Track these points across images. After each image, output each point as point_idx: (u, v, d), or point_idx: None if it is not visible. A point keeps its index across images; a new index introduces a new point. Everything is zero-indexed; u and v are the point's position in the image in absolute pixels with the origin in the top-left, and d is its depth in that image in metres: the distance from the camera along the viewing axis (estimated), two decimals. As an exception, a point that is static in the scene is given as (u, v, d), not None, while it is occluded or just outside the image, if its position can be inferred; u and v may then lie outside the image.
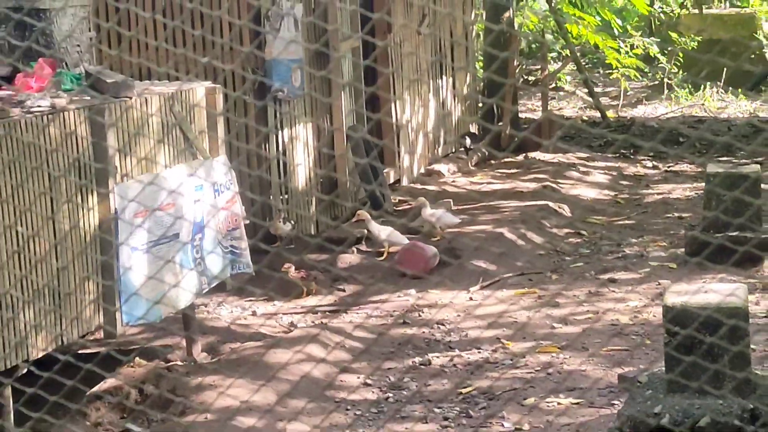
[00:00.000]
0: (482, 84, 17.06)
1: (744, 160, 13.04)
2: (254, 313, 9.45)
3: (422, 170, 14.60)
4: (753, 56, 21.88)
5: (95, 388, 7.22)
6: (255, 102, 10.48)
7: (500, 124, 16.52)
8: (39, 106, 6.55)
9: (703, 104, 21.01)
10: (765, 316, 8.82)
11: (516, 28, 17.45)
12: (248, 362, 8.07)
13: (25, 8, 7.39)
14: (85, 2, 7.90)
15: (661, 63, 22.16)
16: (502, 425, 7.15)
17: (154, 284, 7.16)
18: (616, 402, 7.18)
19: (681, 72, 22.43)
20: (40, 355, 6.41)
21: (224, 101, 8.36)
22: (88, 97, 6.96)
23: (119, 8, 9.69)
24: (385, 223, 11.14)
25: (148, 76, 8.90)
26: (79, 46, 7.69)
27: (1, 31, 7.28)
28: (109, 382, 7.34)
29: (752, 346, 6.99)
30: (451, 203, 12.20)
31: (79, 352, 7.55)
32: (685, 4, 23.43)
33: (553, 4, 18.41)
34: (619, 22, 19.72)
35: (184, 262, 7.48)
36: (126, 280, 6.96)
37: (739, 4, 24.29)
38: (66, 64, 7.38)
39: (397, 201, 12.85)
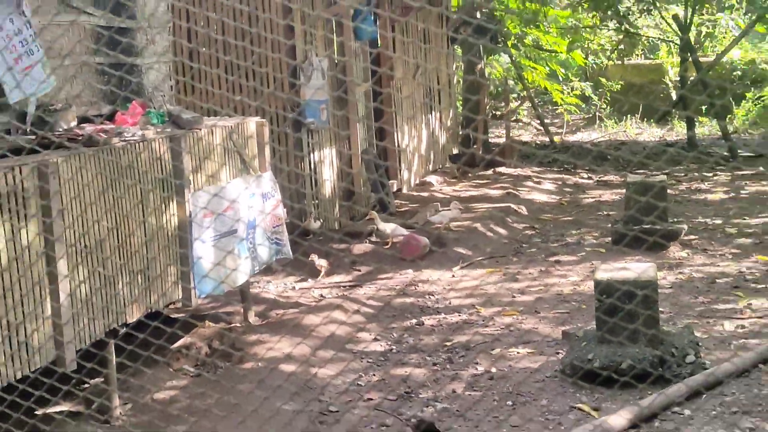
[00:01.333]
0: (461, 118, 17.05)
1: (654, 173, 13.02)
2: (293, 288, 9.53)
3: (417, 182, 14.66)
4: (661, 95, 21.85)
5: (176, 345, 7.26)
6: (293, 133, 10.53)
7: (474, 147, 16.52)
8: (133, 137, 6.59)
9: (624, 131, 21.02)
10: (669, 288, 8.88)
11: (486, 76, 17.41)
12: (289, 324, 8.17)
13: (125, 64, 7.40)
14: (167, 61, 7.95)
15: (594, 101, 22.15)
16: (476, 369, 7.19)
17: (218, 268, 7.21)
18: (560, 351, 7.36)
19: (608, 108, 22.43)
20: (135, 320, 6.44)
21: (270, 132, 8.42)
22: (169, 130, 7.01)
23: (192, 66, 9.76)
24: (388, 220, 11.17)
25: (215, 114, 8.94)
26: (162, 93, 7.75)
27: (104, 83, 7.29)
28: (186, 340, 7.38)
29: (660, 310, 7.03)
30: (458, 204, 12.14)
31: (164, 318, 7.59)
32: (611, 57, 23.36)
33: (513, 58, 18.38)
34: (563, 70, 19.63)
35: (241, 251, 7.55)
36: (198, 265, 7.03)
37: (651, 57, 24.21)
38: (153, 105, 7.44)
39: (398, 204, 12.87)
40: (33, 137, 6.13)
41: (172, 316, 7.69)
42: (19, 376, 5.45)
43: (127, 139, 6.54)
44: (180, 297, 7.08)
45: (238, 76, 10.60)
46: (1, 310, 5.33)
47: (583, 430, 5.82)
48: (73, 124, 6.75)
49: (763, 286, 8.99)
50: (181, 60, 9.81)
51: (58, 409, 6.24)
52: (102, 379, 6.44)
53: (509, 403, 6.54)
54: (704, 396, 6.34)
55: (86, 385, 6.48)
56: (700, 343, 7.02)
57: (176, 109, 7.39)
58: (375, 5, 12.48)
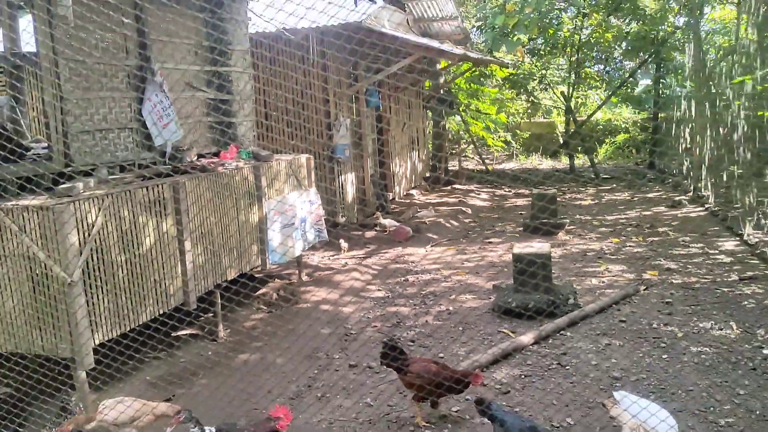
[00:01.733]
0: (431, 154, 17.06)
1: (548, 188, 13.05)
2: (329, 259, 9.50)
3: (404, 193, 14.59)
4: (553, 140, 21.91)
5: (256, 293, 7.29)
6: (328, 164, 10.55)
7: (438, 172, 16.53)
8: (231, 166, 6.62)
9: (531, 162, 21.03)
10: (558, 258, 8.86)
11: (446, 129, 17.43)
12: (325, 281, 8.17)
13: (225, 122, 7.44)
14: (251, 119, 7.98)
15: (513, 143, 22.15)
16: (440, 308, 7.19)
17: (283, 246, 7.24)
18: (491, 297, 7.29)
19: (521, 148, 22.44)
20: (232, 278, 6.48)
21: (314, 164, 8.43)
22: (253, 162, 7.04)
23: (266, 123, 9.78)
24: (386, 217, 11.18)
25: (280, 152, 8.97)
26: (248, 139, 7.78)
27: (213, 133, 7.32)
28: (263, 290, 7.41)
29: (552, 271, 7.06)
30: (432, 208, 12.25)
31: (249, 276, 7.63)
32: (522, 116, 23.41)
33: (462, 118, 18.41)
34: (493, 125, 19.67)
35: (296, 235, 7.57)
36: (270, 243, 7.05)
37: (547, 117, 24.24)
38: (243, 146, 7.47)
39: (393, 207, 12.86)
40: (169, 166, 6.19)
41: (254, 275, 7.74)
42: (162, 311, 5.52)
43: (227, 167, 6.59)
44: (259, 264, 7.13)
45: (293, 129, 10.65)
46: (153, 272, 5.40)
47: (505, 344, 5.88)
48: (194, 158, 6.80)
49: (615, 257, 8.97)
50: (259, 119, 9.82)
51: (184, 332, 6.30)
52: (212, 314, 6.51)
53: (460, 328, 6.52)
54: (579, 324, 6.42)
55: (202, 318, 6.54)
56: (576, 292, 7.05)
57: (257, 149, 7.42)
58: (378, 85, 12.55)
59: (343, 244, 9.80)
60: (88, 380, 4.79)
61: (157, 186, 5.49)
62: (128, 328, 5.10)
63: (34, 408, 4.60)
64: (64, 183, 5.04)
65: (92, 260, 4.79)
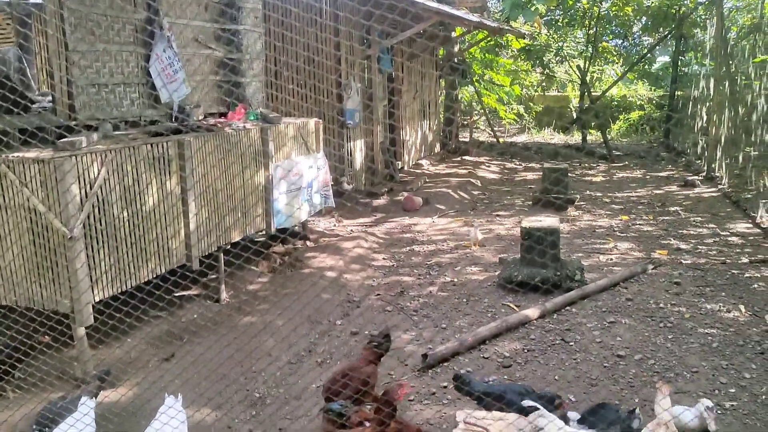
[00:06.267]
0: (442, 124, 16.86)
1: (560, 161, 12.87)
2: (334, 225, 9.42)
3: (414, 163, 14.46)
4: (566, 115, 21.61)
5: (261, 257, 7.21)
6: (338, 129, 10.39)
7: (450, 142, 16.36)
8: (238, 127, 6.49)
9: (543, 136, 20.79)
10: (567, 234, 8.76)
11: (458, 99, 17.22)
12: (331, 247, 8.10)
13: (234, 81, 7.29)
14: (261, 79, 7.83)
15: (525, 117, 21.87)
16: (445, 279, 7.13)
17: (289, 209, 7.14)
18: (498, 269, 7.14)
19: (534, 121, 22.17)
20: (235, 240, 6.40)
21: (324, 128, 8.29)
22: (261, 124, 6.90)
23: (273, 83, 9.59)
24: (395, 188, 11.09)
25: (289, 115, 8.81)
26: (257, 100, 7.63)
27: (221, 93, 7.18)
28: (267, 254, 7.34)
29: (560, 247, 6.95)
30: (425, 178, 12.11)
31: (254, 239, 7.57)
32: (536, 89, 23.07)
33: (476, 89, 18.14)
34: (507, 97, 19.41)
35: (303, 199, 7.47)
36: (276, 207, 6.95)
37: (561, 91, 23.90)
38: (251, 108, 7.32)
39: (402, 176, 12.74)
40: (175, 125, 6.07)
41: (259, 238, 7.66)
42: (166, 270, 5.45)
43: (234, 128, 6.46)
44: (264, 227, 7.05)
45: (305, 91, 10.47)
46: (155, 231, 5.31)
47: (510, 317, 5.81)
48: (201, 117, 6.67)
49: (625, 235, 8.87)
50: (269, 79, 9.66)
51: (187, 293, 6.24)
52: (215, 275, 6.44)
53: (465, 300, 6.47)
54: (585, 300, 6.34)
55: (205, 279, 6.48)
56: (584, 268, 6.95)
57: (265, 111, 7.28)
58: (391, 52, 12.31)
59: (337, 215, 9.68)
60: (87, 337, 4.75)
61: (162, 143, 5.37)
62: (129, 286, 5.04)
63: (32, 362, 4.56)
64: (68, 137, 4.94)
65: (94, 216, 4.71)
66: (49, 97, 6.12)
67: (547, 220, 7.09)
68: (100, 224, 4.77)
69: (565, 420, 3.59)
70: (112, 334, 5.16)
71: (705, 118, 13.97)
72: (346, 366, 3.61)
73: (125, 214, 5.00)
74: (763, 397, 4.52)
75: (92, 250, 4.69)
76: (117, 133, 5.59)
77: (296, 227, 7.93)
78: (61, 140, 4.77)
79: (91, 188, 4.67)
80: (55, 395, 4.13)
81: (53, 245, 4.57)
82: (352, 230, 9.15)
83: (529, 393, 3.84)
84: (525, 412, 3.57)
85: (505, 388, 3.96)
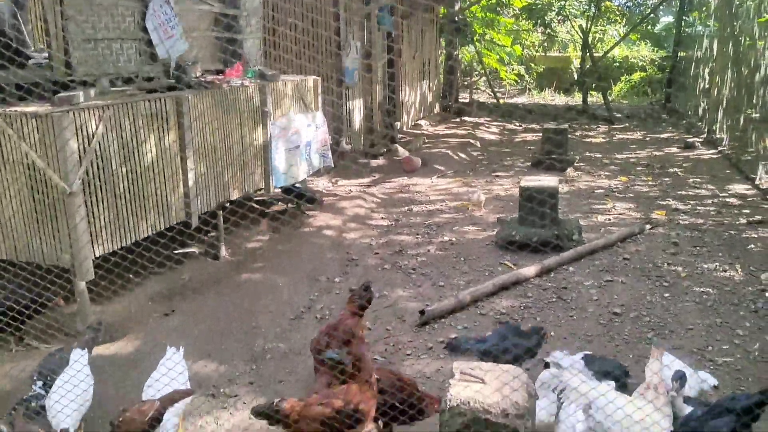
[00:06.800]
0: (442, 84, 16.71)
1: (561, 122, 12.80)
2: (332, 185, 9.42)
3: (413, 123, 14.38)
4: (567, 76, 21.42)
5: (260, 214, 7.22)
6: (336, 88, 10.29)
7: (450, 103, 16.24)
8: (236, 84, 6.43)
9: (543, 98, 20.64)
10: (566, 194, 8.77)
11: (459, 59, 17.03)
12: (330, 206, 8.08)
13: (231, 37, 7.18)
14: (258, 36, 7.72)
15: (526, 77, 21.67)
16: (443, 238, 7.16)
17: (287, 167, 7.12)
18: (496, 229, 7.15)
19: (535, 82, 21.97)
20: (234, 198, 6.40)
21: (322, 86, 8.21)
22: (258, 81, 6.83)
23: (274, 40, 9.46)
24: (395, 148, 11.05)
25: (287, 73, 8.71)
26: (254, 57, 7.53)
27: (218, 49, 7.09)
28: (266, 212, 7.35)
29: (558, 207, 6.99)
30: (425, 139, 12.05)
31: (253, 198, 7.56)
32: (538, 49, 22.80)
33: (476, 49, 17.90)
34: (508, 57, 19.18)
35: (301, 158, 7.42)
36: (274, 165, 6.93)
37: (563, 51, 23.62)
38: (249, 65, 7.24)
39: (400, 137, 12.68)
40: (172, 81, 6.01)
41: (258, 197, 7.66)
42: (165, 226, 5.47)
43: (231, 85, 6.40)
44: (263, 186, 7.03)
45: (302, 47, 10.32)
46: (153, 186, 5.30)
47: (507, 276, 5.84)
48: (198, 73, 6.60)
49: (623, 195, 8.88)
50: (266, 36, 9.51)
51: (187, 250, 6.27)
52: (214, 233, 6.46)
53: (462, 259, 6.49)
54: (583, 260, 6.39)
55: (204, 237, 6.51)
56: (581, 228, 6.98)
57: (263, 68, 7.20)
58: (390, 11, 12.13)
59: (332, 176, 9.66)
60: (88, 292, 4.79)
61: (160, 99, 5.33)
62: (129, 241, 5.06)
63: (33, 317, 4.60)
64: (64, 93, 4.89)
65: (92, 171, 4.70)
66: (45, 54, 6.04)
67: (546, 180, 7.11)
68: (99, 180, 4.77)
69: (558, 365, 3.66)
70: (112, 288, 5.21)
71: (707, 79, 13.84)
72: (331, 323, 3.71)
73: (124, 169, 4.98)
74: (756, 353, 4.59)
75: (91, 205, 4.70)
76: (114, 89, 5.55)
77: (307, 193, 7.89)
78: (59, 95, 4.73)
79: (89, 144, 4.65)
80: (54, 348, 4.18)
81: (52, 200, 4.56)
82: (350, 190, 9.15)
83: (511, 333, 3.94)
84: (520, 360, 3.68)
85: (495, 336, 4.02)
